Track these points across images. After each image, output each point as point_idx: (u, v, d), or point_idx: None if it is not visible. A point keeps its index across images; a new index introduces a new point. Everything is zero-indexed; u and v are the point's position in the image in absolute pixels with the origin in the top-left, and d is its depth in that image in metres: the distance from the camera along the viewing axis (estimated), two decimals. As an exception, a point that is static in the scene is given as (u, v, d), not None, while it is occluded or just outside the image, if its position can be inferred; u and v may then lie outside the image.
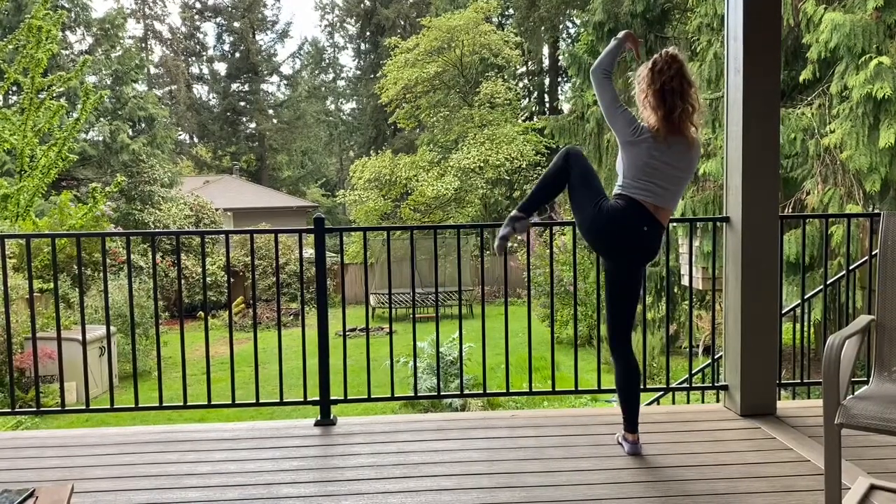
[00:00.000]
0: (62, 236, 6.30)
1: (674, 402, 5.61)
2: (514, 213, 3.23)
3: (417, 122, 24.10)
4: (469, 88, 23.31)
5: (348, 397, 3.96)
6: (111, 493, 2.91)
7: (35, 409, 3.97)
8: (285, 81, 40.33)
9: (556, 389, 4.20)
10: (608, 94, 3.08)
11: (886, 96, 7.56)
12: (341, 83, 41.69)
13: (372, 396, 4.00)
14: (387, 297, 16.68)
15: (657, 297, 11.10)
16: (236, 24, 37.63)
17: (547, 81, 30.41)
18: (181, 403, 3.95)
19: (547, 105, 30.04)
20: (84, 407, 4.00)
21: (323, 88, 40.91)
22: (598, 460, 3.13)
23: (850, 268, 4.41)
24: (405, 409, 8.86)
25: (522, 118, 25.70)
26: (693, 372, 4.69)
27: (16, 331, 8.60)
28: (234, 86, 38.16)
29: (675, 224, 9.72)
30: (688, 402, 5.68)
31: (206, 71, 39.04)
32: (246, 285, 18.16)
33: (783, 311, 4.87)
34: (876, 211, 6.55)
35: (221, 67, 38.57)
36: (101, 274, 4.83)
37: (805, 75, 8.71)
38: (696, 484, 2.86)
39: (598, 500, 2.73)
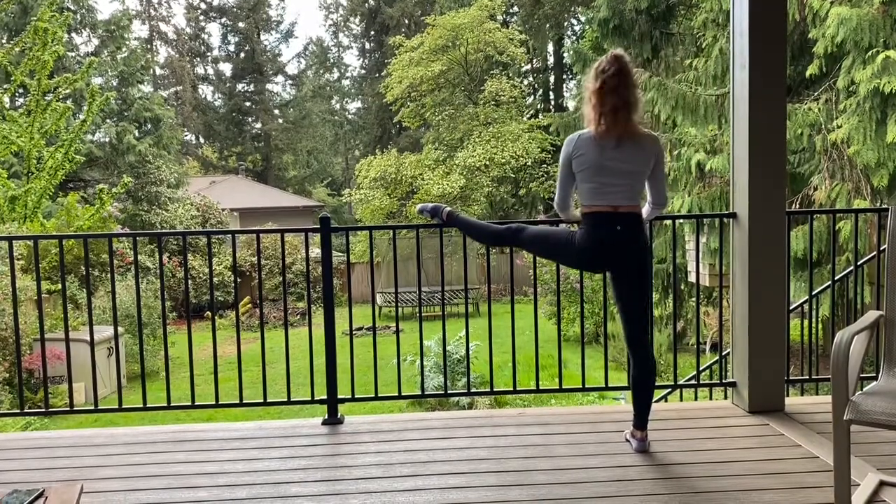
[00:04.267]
0: (70, 237, 6.19)
1: (681, 399, 5.60)
2: (448, 210, 3.52)
3: (422, 120, 24.11)
4: (474, 86, 23.31)
5: (355, 396, 3.96)
6: (120, 492, 2.92)
7: (44, 410, 3.98)
8: (290, 81, 40.43)
9: (564, 387, 4.20)
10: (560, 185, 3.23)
11: (894, 91, 7.52)
12: (346, 82, 41.77)
13: (379, 395, 4.00)
14: (393, 295, 16.70)
15: (664, 293, 11.07)
16: (241, 25, 37.70)
17: (552, 79, 30.36)
18: (189, 403, 3.95)
19: (552, 102, 29.99)
20: (92, 407, 4.01)
21: (328, 88, 40.98)
22: (606, 457, 3.12)
23: (859, 263, 4.39)
24: (412, 408, 8.87)
25: (527, 116, 25.67)
26: (701, 369, 4.68)
27: (24, 332, 8.65)
28: (240, 86, 38.25)
29: (682, 221, 9.70)
30: (695, 399, 5.68)
31: (211, 71, 39.16)
32: (252, 285, 18.21)
33: (791, 308, 4.85)
34: (884, 206, 6.52)
35: (227, 68, 38.69)
36: (109, 275, 4.85)
37: (811, 70, 8.67)
38: (704, 481, 2.86)
39: (606, 497, 2.73)
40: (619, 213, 3.01)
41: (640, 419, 3.19)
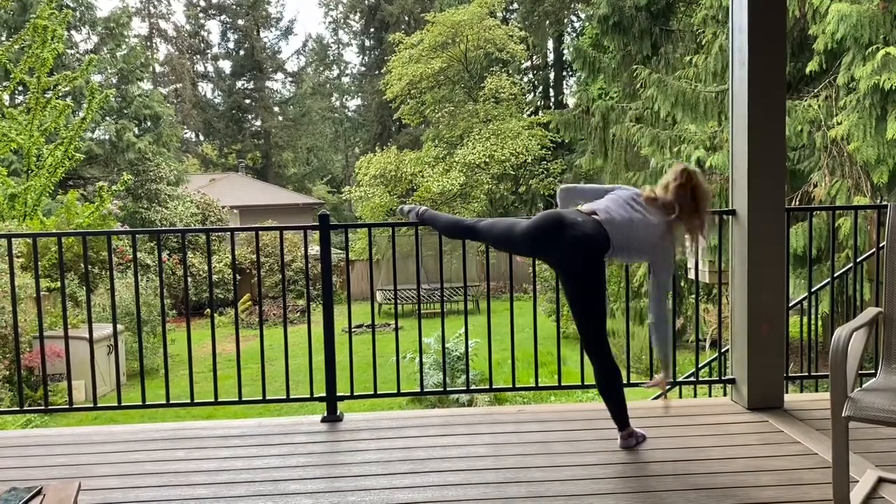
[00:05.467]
0: (69, 235, 6.21)
1: (681, 396, 5.60)
2: (423, 209, 3.61)
3: (422, 117, 24.08)
4: (474, 84, 23.27)
5: (355, 393, 3.96)
6: (119, 490, 2.92)
7: (43, 408, 3.99)
8: (290, 78, 40.38)
9: (563, 384, 4.20)
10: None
11: (894, 87, 7.52)
12: (346, 79, 41.71)
13: (378, 392, 4.00)
14: (393, 293, 16.72)
15: (664, 290, 11.05)
16: (240, 22, 37.66)
17: (552, 76, 30.32)
18: (188, 401, 3.95)
19: (552, 99, 29.95)
20: (92, 405, 4.01)
21: (328, 85, 40.93)
22: (604, 455, 3.12)
23: (858, 260, 4.39)
24: (411, 405, 8.88)
25: (527, 113, 25.63)
26: (700, 366, 4.68)
27: (24, 329, 8.64)
28: (239, 83, 38.21)
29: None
30: (695, 395, 5.67)
31: (210, 69, 39.12)
32: (252, 283, 18.21)
33: (790, 304, 4.85)
34: (883, 203, 6.51)
35: (226, 65, 38.66)
36: (108, 272, 4.85)
37: (811, 67, 8.66)
38: (703, 477, 2.86)
39: (604, 494, 2.73)
40: (590, 217, 3.04)
41: (617, 421, 3.20)
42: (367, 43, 38.30)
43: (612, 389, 3.17)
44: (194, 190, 21.17)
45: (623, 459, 3.07)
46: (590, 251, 3.02)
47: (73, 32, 22.64)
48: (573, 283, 3.08)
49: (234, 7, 37.77)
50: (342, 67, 41.80)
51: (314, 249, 14.37)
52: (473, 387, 8.08)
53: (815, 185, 8.68)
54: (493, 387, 4.31)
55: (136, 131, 21.59)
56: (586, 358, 4.06)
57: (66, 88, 13.70)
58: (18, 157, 14.26)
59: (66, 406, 4.11)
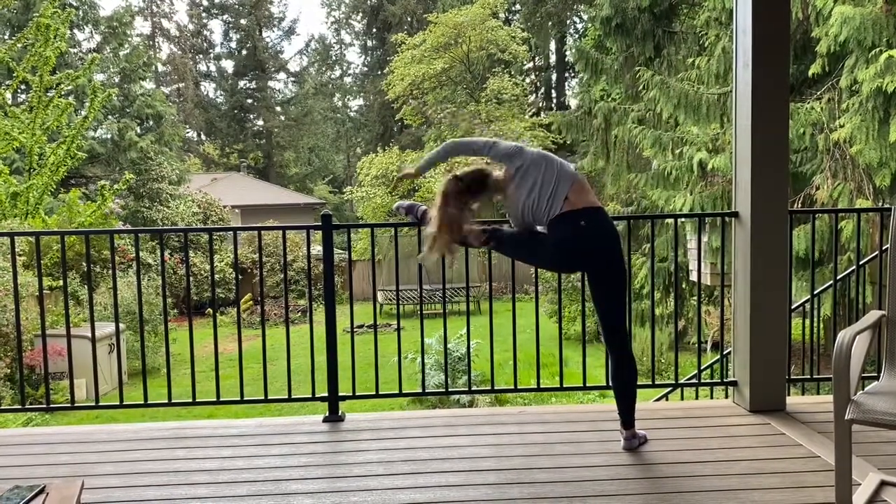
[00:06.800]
0: (71, 233, 6.18)
1: (682, 398, 5.59)
2: (423, 209, 3.58)
3: (424, 118, 24.09)
4: (476, 84, 23.28)
5: (356, 394, 3.96)
6: (121, 489, 2.92)
7: (45, 406, 3.99)
8: (292, 78, 40.40)
9: (565, 385, 4.19)
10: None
11: (896, 90, 7.50)
12: (348, 80, 41.73)
13: (380, 393, 4.00)
14: (394, 293, 16.71)
15: (665, 292, 11.06)
16: (243, 22, 37.69)
17: (554, 77, 30.34)
18: (190, 400, 3.95)
19: (554, 101, 29.95)
20: (93, 403, 4.02)
21: (330, 85, 40.95)
22: (606, 456, 3.12)
23: (861, 263, 4.39)
24: (413, 406, 8.87)
25: (529, 114, 25.63)
26: (702, 368, 4.67)
27: (26, 328, 8.65)
28: (242, 83, 38.23)
29: (683, 220, 9.69)
30: (696, 398, 5.67)
31: (213, 68, 39.16)
32: (254, 282, 18.20)
33: (792, 307, 4.84)
34: (886, 205, 6.51)
35: (228, 65, 38.67)
36: (110, 271, 4.86)
37: (814, 69, 8.65)
38: (704, 480, 2.85)
39: (606, 495, 2.73)
40: (577, 209, 3.01)
41: (625, 419, 3.19)
42: (369, 43, 38.33)
43: (630, 384, 3.16)
44: (196, 189, 21.17)
45: (626, 461, 3.07)
46: (611, 236, 3.07)
47: (75, 31, 22.68)
48: (614, 273, 3.08)
49: (237, 7, 37.80)
50: (344, 68, 41.84)
51: (316, 249, 14.37)
52: (475, 388, 8.08)
53: (818, 188, 8.66)
54: (495, 388, 4.30)
55: (139, 130, 21.62)
56: (588, 359, 4.07)
57: (69, 87, 13.72)
58: (21, 156, 14.28)
59: (68, 405, 4.11)
